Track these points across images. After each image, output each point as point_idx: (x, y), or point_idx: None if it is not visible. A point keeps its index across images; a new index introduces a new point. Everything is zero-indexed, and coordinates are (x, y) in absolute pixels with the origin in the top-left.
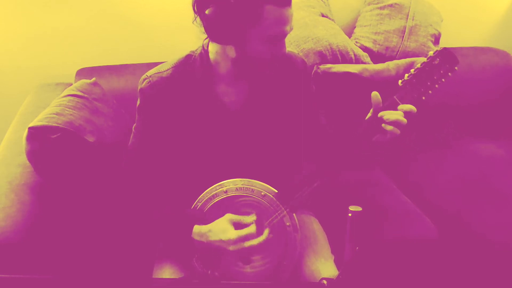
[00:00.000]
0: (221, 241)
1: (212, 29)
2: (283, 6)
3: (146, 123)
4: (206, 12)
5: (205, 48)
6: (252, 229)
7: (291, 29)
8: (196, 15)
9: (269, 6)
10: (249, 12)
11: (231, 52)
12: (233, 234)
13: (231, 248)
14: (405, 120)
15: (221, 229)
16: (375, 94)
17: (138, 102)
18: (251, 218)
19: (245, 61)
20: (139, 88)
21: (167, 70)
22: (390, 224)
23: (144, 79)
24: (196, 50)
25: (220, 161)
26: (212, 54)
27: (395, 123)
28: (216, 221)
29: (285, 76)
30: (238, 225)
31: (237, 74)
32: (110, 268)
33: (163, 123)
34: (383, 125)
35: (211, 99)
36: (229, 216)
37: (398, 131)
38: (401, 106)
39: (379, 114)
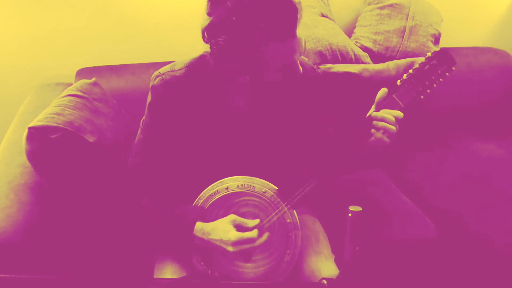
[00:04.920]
0: (221, 240)
1: (222, 64)
2: (284, 40)
3: (155, 120)
4: (214, 47)
5: None
6: (253, 233)
7: (301, 54)
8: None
9: (272, 43)
10: (253, 53)
11: (244, 78)
12: (233, 235)
13: (230, 248)
14: (393, 128)
15: (222, 229)
16: (383, 91)
17: (149, 99)
18: (254, 222)
19: (258, 84)
20: (151, 84)
21: (181, 69)
22: (390, 224)
23: (157, 76)
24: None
25: (226, 160)
26: None
27: (383, 129)
28: (219, 220)
29: (295, 83)
30: (240, 228)
31: (252, 94)
32: (111, 268)
33: (172, 121)
34: (372, 130)
35: (222, 101)
36: (232, 217)
37: (387, 140)
38: (377, 114)
39: (372, 114)
